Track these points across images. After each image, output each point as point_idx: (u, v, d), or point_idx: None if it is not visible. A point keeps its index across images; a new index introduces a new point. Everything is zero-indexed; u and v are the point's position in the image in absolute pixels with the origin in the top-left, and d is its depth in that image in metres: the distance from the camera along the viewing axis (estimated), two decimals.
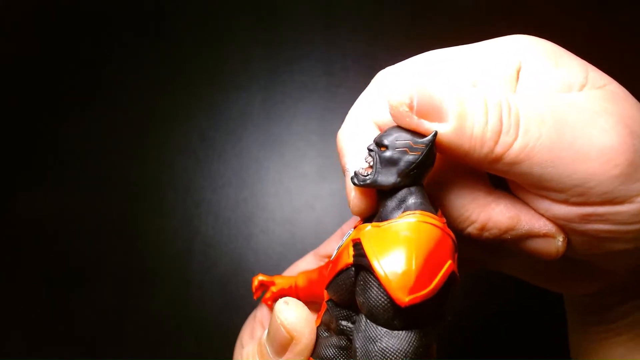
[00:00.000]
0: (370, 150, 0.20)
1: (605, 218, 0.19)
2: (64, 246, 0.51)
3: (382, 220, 0.19)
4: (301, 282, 0.29)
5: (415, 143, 0.19)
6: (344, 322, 0.21)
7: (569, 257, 0.22)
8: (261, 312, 0.32)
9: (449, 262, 0.18)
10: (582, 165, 0.18)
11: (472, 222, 0.21)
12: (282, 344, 0.22)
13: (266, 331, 0.23)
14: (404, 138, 0.19)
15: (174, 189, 0.52)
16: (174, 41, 0.57)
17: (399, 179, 0.19)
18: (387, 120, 0.20)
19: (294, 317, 0.21)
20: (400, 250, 0.17)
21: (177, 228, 0.50)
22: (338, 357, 0.21)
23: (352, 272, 0.19)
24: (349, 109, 0.23)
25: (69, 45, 0.57)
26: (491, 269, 0.27)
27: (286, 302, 0.22)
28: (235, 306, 0.48)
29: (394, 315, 0.18)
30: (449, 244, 0.18)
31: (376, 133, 0.21)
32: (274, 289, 0.30)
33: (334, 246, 0.29)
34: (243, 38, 0.56)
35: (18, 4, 0.58)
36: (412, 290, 0.17)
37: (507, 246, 0.21)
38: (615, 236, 0.20)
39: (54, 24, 0.58)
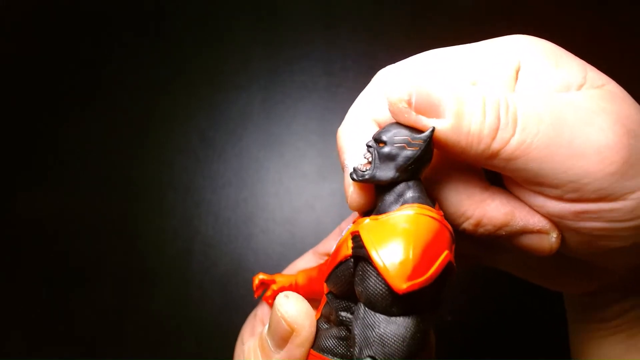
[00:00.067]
0: (368, 146, 0.20)
1: (599, 215, 0.19)
2: (64, 246, 0.51)
3: (380, 214, 0.20)
4: (301, 280, 0.29)
5: (413, 139, 0.19)
6: (343, 313, 0.21)
7: (565, 255, 0.22)
8: (262, 310, 0.32)
9: (446, 252, 0.18)
10: (578, 162, 0.18)
11: (468, 218, 0.21)
12: (282, 336, 0.22)
13: (267, 326, 0.23)
14: (402, 134, 0.19)
15: (174, 189, 0.52)
16: (174, 41, 0.57)
17: (397, 174, 0.19)
18: (387, 118, 0.21)
19: (295, 310, 0.22)
20: (398, 241, 0.18)
21: (177, 228, 0.50)
22: (338, 348, 0.21)
23: (351, 263, 0.20)
24: (349, 108, 0.23)
25: (69, 45, 0.57)
26: (487, 265, 0.28)
27: (286, 296, 0.22)
28: (235, 306, 0.48)
29: (392, 302, 0.18)
30: (446, 235, 0.19)
31: (375, 130, 0.21)
32: (274, 287, 0.31)
33: (333, 244, 0.29)
34: (243, 38, 0.56)
35: (18, 4, 0.59)
36: (409, 278, 0.17)
37: (502, 242, 0.21)
38: (609, 234, 0.20)
39: (54, 24, 0.58)
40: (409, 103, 0.19)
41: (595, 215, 0.19)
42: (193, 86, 0.55)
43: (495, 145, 0.19)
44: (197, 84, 0.55)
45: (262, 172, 0.52)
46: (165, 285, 0.49)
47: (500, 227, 0.21)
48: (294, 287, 0.30)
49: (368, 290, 0.18)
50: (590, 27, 0.53)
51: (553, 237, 0.21)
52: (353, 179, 0.20)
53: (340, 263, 0.20)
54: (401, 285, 0.17)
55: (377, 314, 0.18)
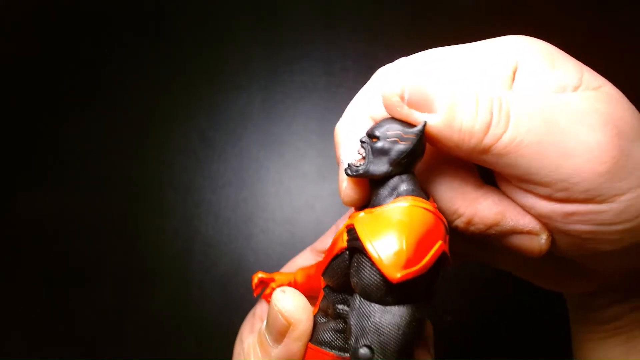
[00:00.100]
0: (362, 142, 0.20)
1: (588, 218, 0.19)
2: (64, 246, 0.51)
3: (375, 207, 0.20)
4: (300, 278, 0.29)
5: (406, 133, 0.19)
6: (340, 306, 0.21)
7: (560, 257, 0.22)
8: (260, 308, 0.32)
9: (440, 242, 0.19)
10: (568, 161, 0.18)
11: (460, 216, 0.21)
12: (280, 330, 0.22)
13: (265, 321, 0.23)
14: (394, 129, 0.20)
15: (174, 189, 0.52)
16: (174, 41, 0.57)
17: (390, 168, 0.20)
18: (384, 115, 0.21)
19: (291, 304, 0.22)
20: (391, 232, 0.18)
21: (177, 228, 0.50)
22: (336, 340, 0.21)
23: (347, 256, 0.20)
24: (348, 106, 0.23)
25: (69, 45, 0.57)
26: (486, 263, 0.28)
27: (283, 291, 0.23)
28: (235, 306, 0.48)
29: (386, 292, 0.18)
30: (440, 226, 0.19)
31: None
32: (273, 285, 0.31)
33: (330, 241, 0.30)
34: (243, 38, 0.56)
35: (18, 4, 0.59)
36: (403, 268, 0.17)
37: (493, 241, 0.22)
38: (598, 237, 0.20)
39: (54, 24, 0.58)
40: (402, 97, 0.19)
41: (584, 218, 0.19)
42: (193, 86, 0.55)
43: (487, 140, 0.19)
44: (197, 84, 0.55)
45: (262, 172, 0.52)
46: (165, 285, 0.49)
47: (490, 226, 0.21)
48: (292, 285, 0.30)
49: (363, 281, 0.19)
50: (590, 27, 0.53)
51: (543, 239, 0.21)
52: (347, 175, 0.21)
53: (336, 256, 0.21)
54: (395, 274, 0.17)
55: (373, 304, 0.19)
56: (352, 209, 0.23)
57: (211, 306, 0.48)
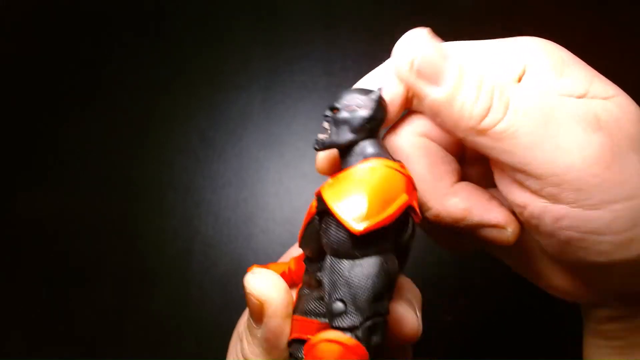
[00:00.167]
0: (325, 115, 0.21)
1: (577, 223, 0.20)
2: (64, 246, 0.51)
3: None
4: (294, 267, 0.30)
5: (364, 101, 0.21)
6: (319, 274, 0.22)
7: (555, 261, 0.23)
8: None
9: (404, 195, 0.19)
10: (562, 156, 0.19)
11: (429, 209, 0.23)
12: (256, 312, 0.23)
13: None
14: (353, 98, 0.21)
15: (174, 189, 0.52)
16: (174, 41, 0.57)
17: (354, 135, 0.21)
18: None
19: (260, 284, 0.23)
20: (352, 188, 0.19)
21: (177, 228, 0.50)
22: (319, 308, 0.22)
23: (317, 221, 0.21)
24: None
25: (69, 45, 0.57)
26: (492, 255, 0.27)
27: (253, 272, 0.23)
28: (235, 306, 0.47)
29: (353, 246, 0.19)
30: (404, 181, 0.20)
31: None
32: None
33: None
34: (243, 38, 0.56)
35: (18, 4, 0.59)
36: (365, 219, 0.18)
37: (467, 233, 0.23)
38: (587, 246, 0.20)
39: (54, 24, 0.58)
40: (412, 65, 0.20)
41: (573, 223, 0.20)
42: (193, 86, 0.55)
43: (485, 124, 0.20)
44: (197, 84, 0.55)
45: (262, 172, 0.52)
46: (165, 285, 0.49)
47: (458, 221, 0.22)
48: (287, 274, 0.30)
49: (331, 239, 0.19)
50: (590, 27, 0.53)
51: (508, 231, 0.22)
52: (315, 149, 0.22)
53: (308, 223, 0.21)
54: (357, 227, 0.18)
55: (342, 260, 0.19)
56: None
57: (211, 306, 0.48)
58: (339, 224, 0.19)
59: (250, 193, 0.51)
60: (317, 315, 0.22)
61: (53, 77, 0.56)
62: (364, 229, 0.18)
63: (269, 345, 0.23)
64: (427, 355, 0.40)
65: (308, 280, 0.23)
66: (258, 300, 0.22)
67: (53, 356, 0.47)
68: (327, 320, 0.19)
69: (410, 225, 0.21)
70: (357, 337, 0.18)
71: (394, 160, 0.21)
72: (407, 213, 0.20)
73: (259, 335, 0.23)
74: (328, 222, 0.20)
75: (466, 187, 0.23)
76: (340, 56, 0.55)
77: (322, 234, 0.20)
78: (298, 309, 0.23)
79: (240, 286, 0.24)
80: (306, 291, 0.23)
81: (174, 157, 0.53)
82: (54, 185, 0.53)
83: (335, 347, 0.18)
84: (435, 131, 0.24)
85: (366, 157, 0.20)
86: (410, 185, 0.20)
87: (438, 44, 0.21)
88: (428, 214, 0.23)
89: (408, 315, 0.23)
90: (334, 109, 0.21)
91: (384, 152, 0.21)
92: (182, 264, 0.49)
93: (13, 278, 0.50)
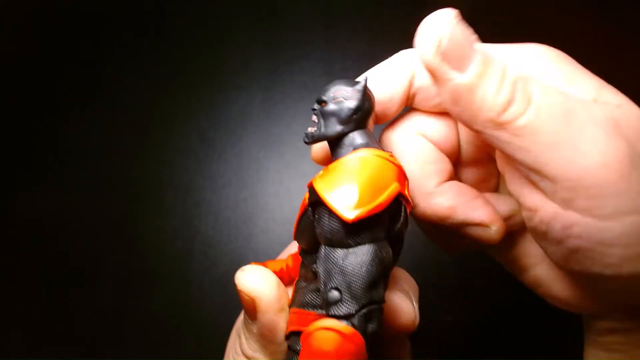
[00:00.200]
0: (313, 109, 0.22)
1: (587, 233, 0.19)
2: (64, 246, 0.51)
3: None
4: (291, 263, 0.30)
5: (350, 92, 0.21)
6: (314, 265, 0.22)
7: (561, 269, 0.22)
8: None
9: (395, 184, 0.19)
10: (581, 159, 0.18)
11: (415, 206, 0.23)
12: (249, 308, 0.23)
13: None
14: (339, 90, 0.21)
15: (174, 189, 0.52)
16: (174, 41, 0.57)
17: (342, 127, 0.21)
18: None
19: (249, 280, 0.23)
20: (343, 177, 0.19)
21: (177, 228, 0.50)
22: (316, 300, 0.22)
23: (310, 212, 0.21)
24: None
25: (69, 45, 0.57)
26: (495, 258, 0.27)
27: (242, 269, 0.23)
28: (235, 306, 0.47)
29: (346, 234, 0.19)
30: (395, 170, 0.20)
31: None
32: None
33: None
34: (243, 38, 0.56)
35: (18, 4, 0.59)
36: (356, 207, 0.18)
37: (454, 230, 0.23)
38: (595, 257, 0.19)
39: (54, 24, 0.58)
40: (439, 46, 0.19)
41: (583, 231, 0.19)
42: (193, 86, 0.55)
43: (505, 117, 0.19)
44: (197, 84, 0.55)
45: (262, 172, 0.52)
46: (165, 285, 0.49)
47: (443, 219, 0.23)
48: (285, 271, 0.30)
49: (324, 229, 0.20)
50: (590, 27, 0.53)
51: (492, 229, 0.23)
52: (305, 143, 0.22)
53: (302, 215, 0.21)
54: (349, 215, 0.18)
55: (336, 249, 0.19)
56: None
57: (211, 306, 0.48)
58: (332, 214, 0.19)
59: (250, 193, 0.51)
60: (314, 307, 0.22)
61: (53, 77, 0.56)
62: (356, 217, 0.18)
63: (265, 340, 0.23)
64: (427, 355, 0.40)
65: (304, 273, 0.23)
66: (249, 296, 0.23)
67: (53, 356, 0.47)
68: (324, 312, 0.19)
69: (402, 213, 0.21)
70: (353, 325, 0.18)
71: (384, 150, 0.21)
72: (399, 201, 0.20)
73: (254, 330, 0.23)
74: (321, 212, 0.20)
75: (453, 186, 0.23)
76: (340, 56, 0.55)
77: (315, 224, 0.20)
78: (295, 302, 0.23)
79: None
80: (303, 284, 0.23)
81: (174, 157, 0.53)
82: (54, 185, 0.53)
83: (331, 335, 0.18)
84: (432, 131, 0.24)
85: (356, 147, 0.21)
86: (402, 175, 0.20)
87: (465, 28, 0.20)
88: (414, 212, 0.23)
89: (404, 304, 0.23)
90: (321, 102, 0.21)
91: (373, 143, 0.21)
92: (182, 264, 0.49)
93: (13, 278, 0.50)
